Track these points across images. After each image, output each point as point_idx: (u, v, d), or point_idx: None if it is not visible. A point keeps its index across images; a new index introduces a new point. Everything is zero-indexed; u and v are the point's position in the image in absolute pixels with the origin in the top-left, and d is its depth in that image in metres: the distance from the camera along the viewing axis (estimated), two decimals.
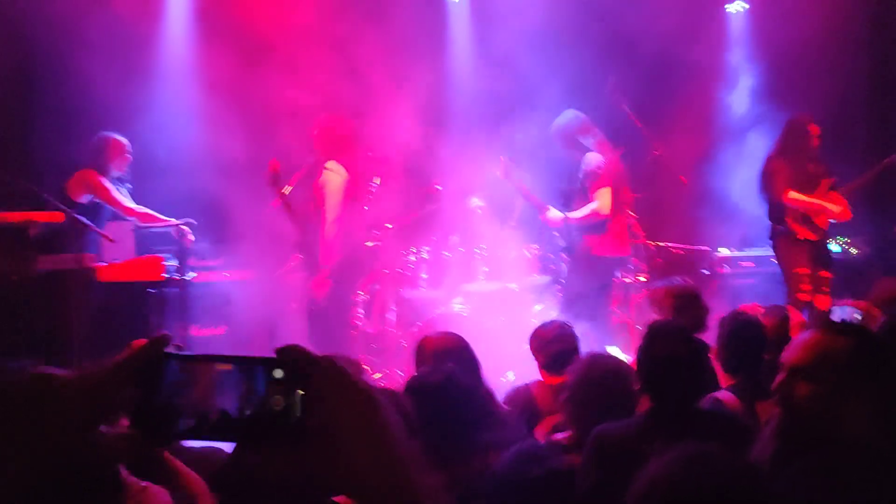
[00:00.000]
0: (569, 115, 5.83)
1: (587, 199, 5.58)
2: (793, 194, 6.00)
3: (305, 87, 6.80)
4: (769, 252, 7.39)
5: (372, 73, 7.03)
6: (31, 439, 0.74)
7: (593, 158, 5.61)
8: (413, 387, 2.66)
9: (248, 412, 0.78)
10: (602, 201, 5.53)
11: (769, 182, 6.12)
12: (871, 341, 2.01)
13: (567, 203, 5.77)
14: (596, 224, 5.59)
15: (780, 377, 2.01)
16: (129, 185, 5.72)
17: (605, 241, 5.62)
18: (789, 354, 2.02)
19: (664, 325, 2.77)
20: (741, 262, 7.45)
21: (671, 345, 2.59)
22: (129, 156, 5.66)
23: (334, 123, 5.25)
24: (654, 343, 2.63)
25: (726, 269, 7.41)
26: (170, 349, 0.82)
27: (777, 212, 6.16)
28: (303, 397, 0.78)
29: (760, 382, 3.10)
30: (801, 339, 2.05)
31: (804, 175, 6.07)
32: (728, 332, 3.32)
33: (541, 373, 3.54)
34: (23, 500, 0.72)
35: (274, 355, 0.80)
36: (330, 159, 5.09)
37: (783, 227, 6.13)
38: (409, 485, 0.77)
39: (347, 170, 5.11)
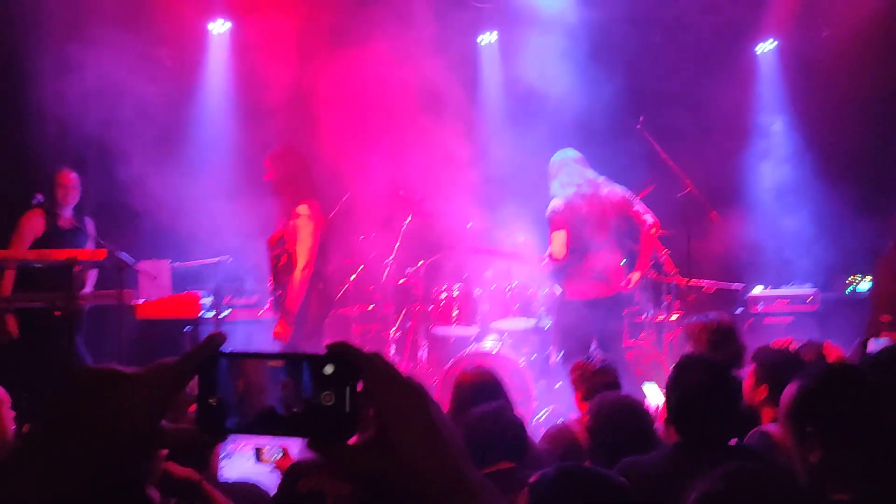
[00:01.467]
0: (554, 158, 5.87)
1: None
2: None
3: (340, 128, 6.98)
4: (804, 290, 7.34)
5: (403, 113, 7.18)
6: (98, 430, 0.77)
7: (551, 203, 5.60)
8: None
9: (297, 408, 0.80)
10: (553, 246, 5.49)
11: None
12: (823, 382, 1.87)
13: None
14: (560, 268, 5.56)
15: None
16: (90, 219, 5.77)
17: (573, 285, 5.57)
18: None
19: (691, 358, 2.76)
20: (776, 300, 7.36)
21: (697, 375, 2.57)
22: (73, 189, 5.67)
23: (285, 155, 5.22)
24: (681, 374, 2.62)
25: (760, 307, 7.33)
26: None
27: None
28: (353, 393, 0.79)
29: None
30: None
31: None
32: (768, 366, 3.28)
33: (579, 406, 3.52)
34: (77, 493, 0.75)
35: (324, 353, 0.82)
36: (300, 203, 5.12)
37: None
38: (463, 477, 0.77)
39: (316, 212, 5.10)
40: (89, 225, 5.33)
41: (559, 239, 5.46)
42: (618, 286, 5.59)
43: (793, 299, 7.32)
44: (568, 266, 5.53)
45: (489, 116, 8.07)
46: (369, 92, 7.16)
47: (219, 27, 7.61)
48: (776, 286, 7.51)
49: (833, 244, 7.13)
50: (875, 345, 4.05)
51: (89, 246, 5.07)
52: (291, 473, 2.41)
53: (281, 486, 2.43)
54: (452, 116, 7.56)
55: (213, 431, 0.83)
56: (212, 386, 0.82)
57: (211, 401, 0.81)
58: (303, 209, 5.08)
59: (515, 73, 8.04)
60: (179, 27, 7.24)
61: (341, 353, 0.80)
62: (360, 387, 0.80)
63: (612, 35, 7.69)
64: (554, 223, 5.51)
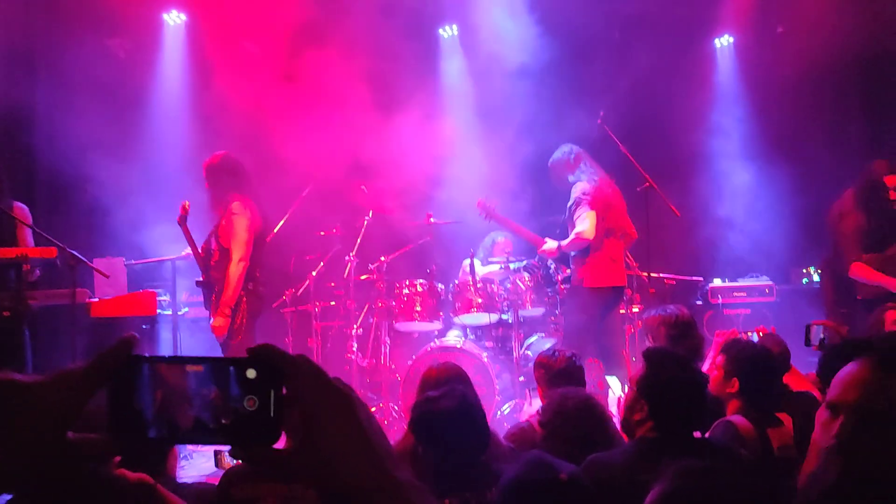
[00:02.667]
0: (561, 151, 5.93)
1: (573, 228, 5.67)
2: (858, 266, 5.38)
3: (298, 124, 6.89)
4: (761, 282, 7.47)
5: (364, 108, 7.12)
6: None
7: (579, 186, 5.70)
8: (427, 409, 2.62)
9: (220, 414, 0.77)
10: (586, 225, 5.56)
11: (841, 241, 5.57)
12: None
13: (562, 235, 5.82)
14: (584, 251, 5.63)
15: (840, 421, 1.65)
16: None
17: (595, 272, 5.63)
18: (839, 392, 1.67)
19: (661, 352, 2.76)
20: (734, 292, 7.48)
21: (671, 370, 2.58)
22: None
23: (220, 162, 5.20)
24: (654, 370, 2.63)
25: (719, 300, 7.44)
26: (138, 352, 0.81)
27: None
28: (277, 397, 0.77)
29: (770, 408, 3.10)
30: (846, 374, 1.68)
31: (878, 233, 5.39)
32: (740, 359, 3.30)
33: (543, 403, 3.51)
34: None
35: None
36: (233, 199, 5.08)
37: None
38: (392, 478, 0.77)
39: (251, 209, 5.09)
40: (19, 210, 4.97)
41: (592, 219, 5.56)
42: (625, 276, 5.90)
43: (750, 291, 7.46)
44: (590, 251, 5.63)
45: (449, 110, 8.03)
46: (328, 84, 7.07)
47: (174, 18, 7.44)
48: (734, 279, 7.63)
49: (790, 237, 7.26)
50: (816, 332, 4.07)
51: (26, 234, 4.85)
52: (225, 480, 2.36)
53: (216, 493, 2.38)
54: (413, 110, 7.52)
55: (131, 439, 0.79)
56: (127, 393, 0.77)
57: (127, 408, 0.77)
58: (236, 205, 5.06)
59: (474, 67, 8.04)
60: (134, 18, 7.07)
61: (264, 356, 0.78)
62: (284, 390, 0.78)
63: (571, 30, 7.71)
64: (588, 203, 5.60)
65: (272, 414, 0.77)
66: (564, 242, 5.68)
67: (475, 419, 2.61)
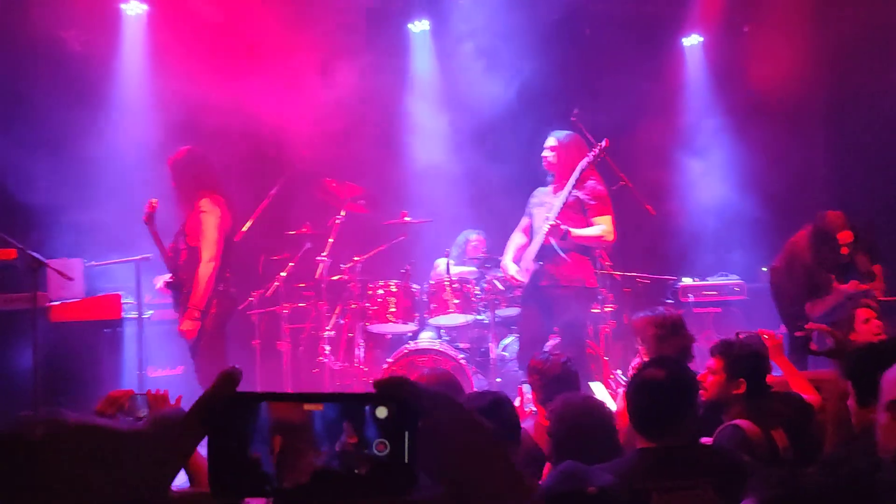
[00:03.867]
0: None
1: (586, 221, 5.32)
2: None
3: (269, 115, 6.70)
4: (732, 281, 7.53)
5: (335, 104, 6.96)
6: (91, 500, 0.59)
7: (596, 184, 5.44)
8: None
9: (353, 462, 0.66)
10: (608, 226, 5.32)
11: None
12: None
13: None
14: (584, 251, 5.41)
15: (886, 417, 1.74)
16: None
17: (590, 273, 5.50)
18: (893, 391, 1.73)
19: (655, 361, 2.71)
20: (704, 291, 7.52)
21: (661, 376, 2.52)
22: None
23: (184, 157, 5.01)
24: (644, 376, 2.57)
25: (690, 298, 7.47)
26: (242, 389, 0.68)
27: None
28: (412, 439, 0.66)
29: (772, 409, 3.06)
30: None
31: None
32: (743, 359, 3.27)
33: (538, 409, 3.42)
34: None
35: (372, 390, 0.68)
36: (202, 197, 4.89)
37: None
38: None
39: (221, 206, 4.91)
40: None
41: (611, 222, 5.37)
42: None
43: (721, 290, 7.50)
44: (588, 251, 5.48)
45: (420, 106, 7.91)
46: (296, 80, 6.89)
47: (133, 8, 7.15)
48: (703, 277, 7.67)
49: (759, 236, 7.32)
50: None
51: None
52: None
53: None
54: (384, 107, 7.39)
55: (243, 495, 0.66)
56: (235, 437, 0.65)
57: (237, 458, 0.64)
58: (204, 203, 4.87)
59: (445, 63, 7.94)
60: (89, 8, 6.77)
61: (396, 392, 0.66)
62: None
63: (542, 27, 7.66)
64: (610, 205, 5.40)
65: (407, 459, 0.65)
66: (582, 233, 5.29)
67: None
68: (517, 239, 5.69)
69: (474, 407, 2.49)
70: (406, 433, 0.66)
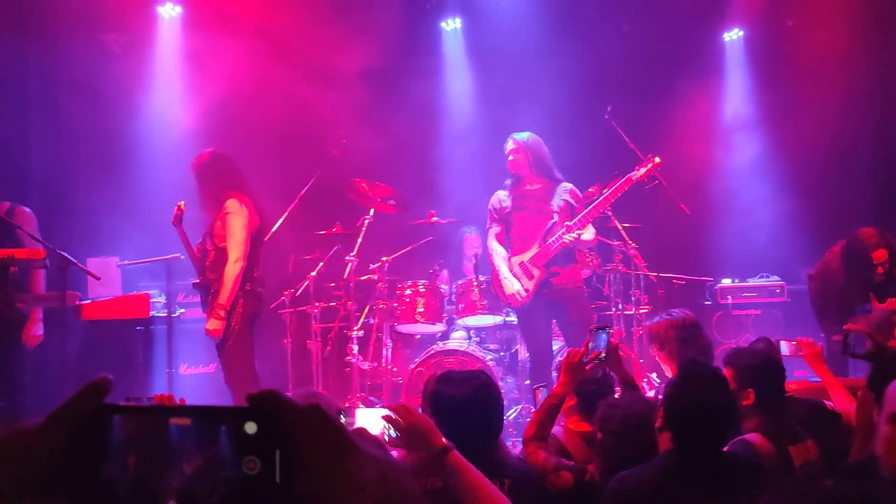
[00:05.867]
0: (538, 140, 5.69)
1: (576, 224, 5.33)
2: None
3: (301, 116, 6.73)
4: (772, 282, 7.30)
5: (366, 102, 6.97)
6: None
7: (572, 187, 5.56)
8: (441, 391, 2.58)
9: (211, 481, 0.61)
10: (592, 232, 5.52)
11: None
12: None
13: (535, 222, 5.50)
14: (573, 255, 5.55)
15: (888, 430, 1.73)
16: None
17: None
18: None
19: (698, 368, 2.60)
20: (743, 292, 7.31)
21: (708, 390, 2.42)
22: None
23: (208, 160, 5.00)
24: (689, 387, 2.47)
25: (728, 300, 7.26)
26: (112, 400, 0.64)
27: None
28: (284, 457, 0.61)
29: (790, 424, 2.93)
30: None
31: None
32: (752, 368, 3.13)
33: (572, 413, 3.31)
34: None
35: (244, 404, 0.63)
36: (228, 197, 4.89)
37: None
38: None
39: (248, 206, 4.92)
40: (21, 215, 4.80)
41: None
42: None
43: (761, 291, 7.28)
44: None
45: (454, 105, 7.86)
46: (327, 79, 6.90)
47: (169, 11, 7.26)
48: (743, 279, 7.46)
49: (801, 235, 7.08)
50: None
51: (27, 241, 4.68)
52: None
53: None
54: (416, 105, 7.36)
55: None
56: (95, 453, 0.61)
57: (95, 474, 0.60)
58: (231, 203, 4.87)
59: (480, 60, 7.88)
60: (127, 11, 6.89)
61: (267, 407, 0.61)
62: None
63: (579, 23, 7.56)
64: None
65: (278, 479, 0.61)
66: (587, 236, 5.42)
67: (487, 410, 2.54)
68: (502, 251, 5.54)
69: (456, 392, 2.51)
70: (277, 451, 0.61)
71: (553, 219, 5.39)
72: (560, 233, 5.31)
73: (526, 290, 5.36)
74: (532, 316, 5.46)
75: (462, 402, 2.50)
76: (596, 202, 5.43)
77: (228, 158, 5.04)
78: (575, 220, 5.30)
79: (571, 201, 5.46)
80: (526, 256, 5.42)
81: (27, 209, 4.85)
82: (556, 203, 5.40)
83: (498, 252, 5.51)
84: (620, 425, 2.67)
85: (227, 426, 0.62)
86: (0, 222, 4.64)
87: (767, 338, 3.54)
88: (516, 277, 5.42)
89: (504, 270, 5.43)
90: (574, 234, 5.25)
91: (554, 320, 5.58)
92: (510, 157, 5.52)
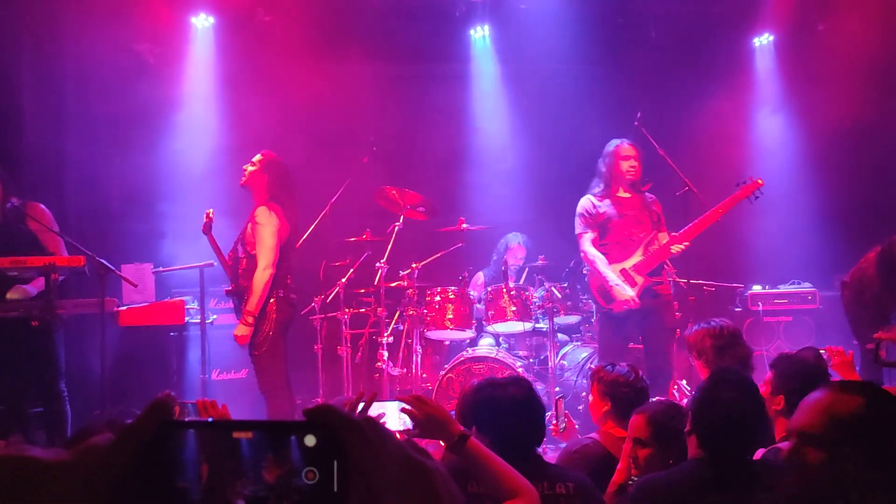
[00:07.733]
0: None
1: (682, 235, 5.46)
2: None
3: (331, 123, 6.79)
4: (803, 289, 7.23)
5: (394, 110, 7.01)
6: None
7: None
8: (493, 394, 2.58)
9: (275, 491, 0.66)
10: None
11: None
12: (882, 399, 1.80)
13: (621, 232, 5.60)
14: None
15: (790, 444, 1.83)
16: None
17: None
18: (797, 418, 1.84)
19: (728, 375, 2.59)
20: (775, 299, 7.25)
21: (737, 396, 2.42)
22: None
23: (267, 162, 5.02)
24: (717, 393, 2.47)
25: (759, 307, 7.21)
26: (172, 416, 0.68)
27: None
28: (341, 467, 0.66)
29: None
30: (808, 401, 1.85)
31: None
32: (790, 376, 3.12)
33: (607, 419, 3.30)
34: None
35: (302, 417, 0.67)
36: (261, 204, 4.93)
37: None
38: None
39: (277, 214, 4.94)
40: (35, 211, 4.74)
41: None
42: None
43: (792, 298, 7.22)
44: None
45: (482, 112, 7.89)
46: (357, 86, 6.97)
47: (202, 21, 7.37)
48: (774, 285, 7.39)
49: (833, 241, 7.00)
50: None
51: (48, 237, 4.73)
52: None
53: None
54: (445, 113, 7.40)
55: None
56: (166, 466, 0.65)
57: (166, 488, 0.65)
58: (261, 211, 4.92)
59: (508, 68, 7.90)
60: (161, 22, 7.01)
61: (323, 420, 0.66)
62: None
63: (607, 30, 7.55)
64: None
65: (336, 488, 0.65)
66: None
67: (537, 412, 2.57)
68: (602, 258, 5.47)
69: (510, 394, 2.53)
70: (335, 462, 0.65)
71: (652, 228, 5.49)
72: (664, 242, 5.40)
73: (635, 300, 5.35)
74: (628, 322, 5.45)
75: (519, 402, 2.52)
76: (704, 216, 5.49)
77: (284, 170, 5.08)
78: (681, 231, 5.40)
79: (658, 212, 5.58)
80: (628, 264, 5.43)
81: (41, 205, 4.85)
82: (651, 213, 5.50)
83: (600, 258, 5.45)
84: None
85: (288, 439, 0.66)
86: (13, 217, 4.66)
87: (815, 347, 3.53)
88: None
89: (613, 277, 5.38)
90: (681, 245, 5.37)
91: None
92: (632, 163, 5.50)
